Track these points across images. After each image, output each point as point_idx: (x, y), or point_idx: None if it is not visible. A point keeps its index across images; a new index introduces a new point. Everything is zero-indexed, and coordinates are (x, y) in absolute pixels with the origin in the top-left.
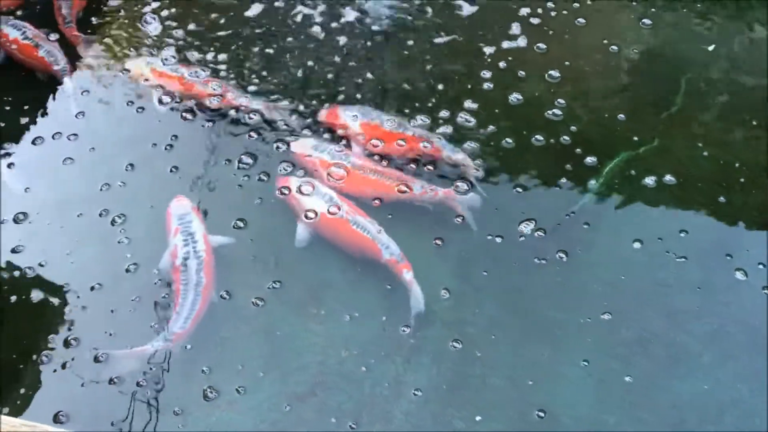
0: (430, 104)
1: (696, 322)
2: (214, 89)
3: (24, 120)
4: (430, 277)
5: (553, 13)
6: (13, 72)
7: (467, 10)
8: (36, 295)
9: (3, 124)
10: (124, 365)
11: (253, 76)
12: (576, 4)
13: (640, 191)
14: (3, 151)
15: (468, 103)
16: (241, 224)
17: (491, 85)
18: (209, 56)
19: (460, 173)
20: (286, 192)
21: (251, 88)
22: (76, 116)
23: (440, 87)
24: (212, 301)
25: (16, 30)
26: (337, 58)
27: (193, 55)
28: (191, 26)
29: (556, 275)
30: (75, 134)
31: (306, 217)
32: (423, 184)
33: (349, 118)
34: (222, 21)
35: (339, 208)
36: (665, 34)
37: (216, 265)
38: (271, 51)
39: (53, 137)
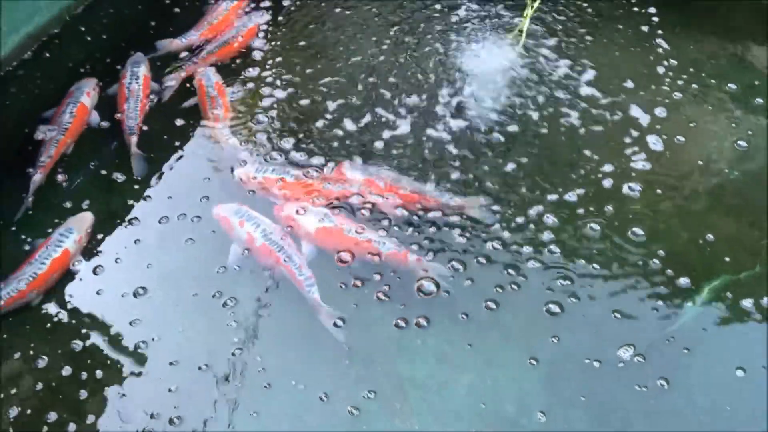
0: (513, 227)
1: None
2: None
3: (152, 198)
4: (525, 398)
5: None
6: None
7: (569, 127)
8: (146, 370)
9: (132, 202)
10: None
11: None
12: (676, 123)
13: (740, 315)
14: (131, 227)
15: (557, 222)
16: (340, 323)
17: (585, 204)
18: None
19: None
20: (288, 217)
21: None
22: (200, 200)
23: (528, 208)
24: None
25: (128, 74)
26: (430, 154)
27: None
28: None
29: (656, 401)
30: (198, 216)
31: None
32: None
33: (354, 174)
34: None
35: (333, 222)
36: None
37: (315, 362)
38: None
39: (178, 218)
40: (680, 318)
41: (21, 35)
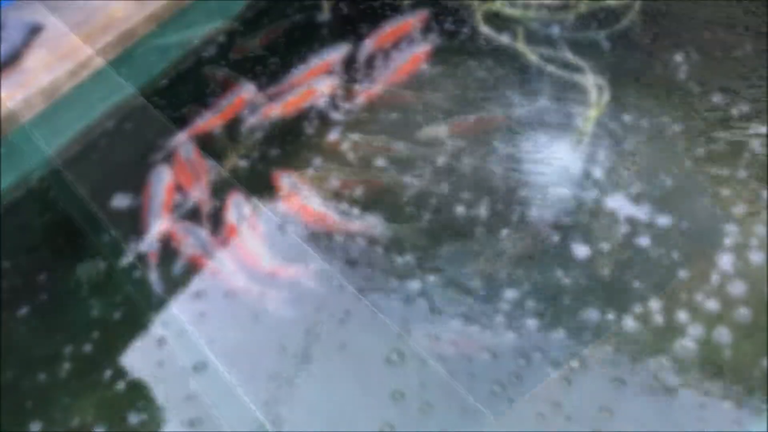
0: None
1: None
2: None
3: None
4: None
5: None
6: None
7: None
8: None
9: (199, 274)
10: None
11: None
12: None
13: None
14: (198, 301)
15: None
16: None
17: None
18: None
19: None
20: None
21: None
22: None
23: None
24: None
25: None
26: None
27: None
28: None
29: None
30: (263, 293)
31: None
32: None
33: (285, 182)
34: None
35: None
36: None
37: None
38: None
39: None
40: None
41: None
